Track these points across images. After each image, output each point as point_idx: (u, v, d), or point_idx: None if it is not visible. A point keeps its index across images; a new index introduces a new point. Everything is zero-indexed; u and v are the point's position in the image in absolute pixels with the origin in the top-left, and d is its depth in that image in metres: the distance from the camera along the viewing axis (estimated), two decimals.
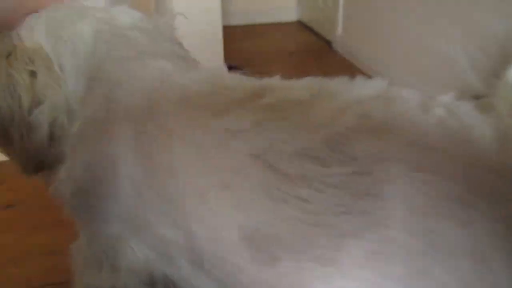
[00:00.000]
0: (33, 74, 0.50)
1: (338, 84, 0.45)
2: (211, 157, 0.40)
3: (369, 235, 0.34)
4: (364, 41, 3.02)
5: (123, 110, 0.46)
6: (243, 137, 0.39)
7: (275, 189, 0.36)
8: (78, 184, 0.49)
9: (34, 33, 0.51)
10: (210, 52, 2.14)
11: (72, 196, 0.49)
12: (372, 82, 0.44)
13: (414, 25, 2.40)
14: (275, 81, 0.47)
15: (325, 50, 3.47)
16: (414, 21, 2.40)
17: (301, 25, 4.06)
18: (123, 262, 0.46)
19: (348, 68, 3.09)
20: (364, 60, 2.98)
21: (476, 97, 0.46)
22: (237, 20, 3.70)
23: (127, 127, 0.45)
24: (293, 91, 0.44)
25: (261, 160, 0.37)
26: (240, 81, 0.47)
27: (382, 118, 0.38)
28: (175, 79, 0.47)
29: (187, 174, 0.41)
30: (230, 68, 0.53)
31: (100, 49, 0.50)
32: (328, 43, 3.51)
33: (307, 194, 0.35)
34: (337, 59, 3.29)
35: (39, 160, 0.53)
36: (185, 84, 0.46)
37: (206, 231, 0.39)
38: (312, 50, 3.48)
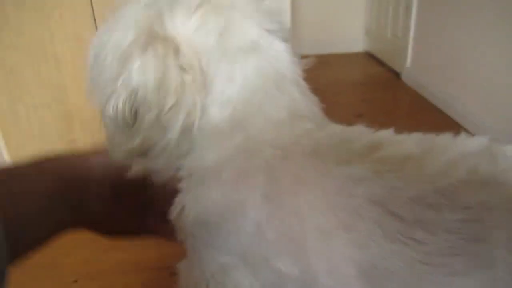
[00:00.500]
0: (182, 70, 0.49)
1: (445, 140, 0.49)
2: (334, 200, 0.44)
3: (478, 274, 0.39)
4: (434, 73, 2.96)
5: (264, 160, 0.49)
6: (364, 185, 0.43)
7: (392, 230, 0.40)
8: (202, 216, 0.51)
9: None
10: None
11: (193, 224, 0.52)
12: (475, 139, 0.48)
13: (486, 60, 2.33)
14: (388, 135, 0.51)
15: (393, 82, 3.43)
16: (486, 56, 2.33)
17: (369, 56, 4.06)
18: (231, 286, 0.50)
19: (417, 101, 3.03)
20: (434, 92, 2.91)
21: None
22: (305, 49, 3.77)
23: (260, 176, 0.48)
24: (405, 146, 0.48)
25: (380, 205, 0.41)
26: (360, 134, 0.51)
27: (488, 173, 0.42)
28: (313, 135, 0.52)
29: (312, 215, 0.45)
30: None
31: (255, 95, 0.52)
32: (397, 74, 3.48)
33: (422, 236, 0.39)
34: (406, 91, 3.24)
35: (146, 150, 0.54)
36: (319, 137, 0.51)
37: (324, 265, 0.44)
38: (381, 82, 3.45)
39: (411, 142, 0.49)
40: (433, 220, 0.40)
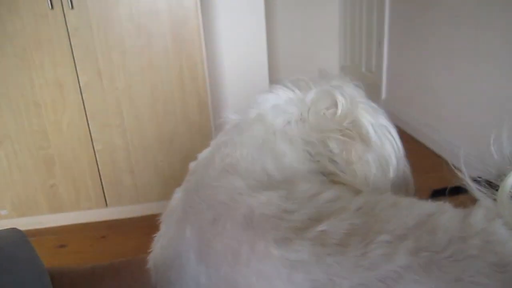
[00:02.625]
0: None
1: (386, 209, 0.47)
2: (273, 285, 0.42)
3: None
4: (408, 104, 3.05)
5: (193, 214, 0.51)
6: (304, 270, 0.41)
7: None
8: (155, 259, 0.54)
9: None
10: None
11: (152, 268, 0.55)
12: (416, 209, 0.46)
13: (458, 88, 2.43)
14: (331, 197, 0.49)
15: None
16: (458, 85, 2.43)
17: None
18: None
19: None
20: (410, 123, 3.00)
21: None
22: None
23: (194, 232, 0.50)
24: (346, 217, 0.44)
25: None
26: (300, 203, 0.48)
27: (430, 256, 0.39)
28: (243, 199, 0.50)
29: None
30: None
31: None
32: None
33: None
34: None
35: None
36: (251, 205, 0.48)
37: None
38: None
39: (352, 210, 0.46)
40: None
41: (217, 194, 0.52)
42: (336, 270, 0.40)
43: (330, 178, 0.60)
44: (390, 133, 0.70)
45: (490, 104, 2.18)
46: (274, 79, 3.68)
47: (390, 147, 0.69)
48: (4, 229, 0.51)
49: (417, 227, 0.43)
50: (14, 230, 0.51)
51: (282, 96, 0.65)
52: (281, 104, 0.64)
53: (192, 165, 0.63)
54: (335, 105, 0.64)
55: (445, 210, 0.46)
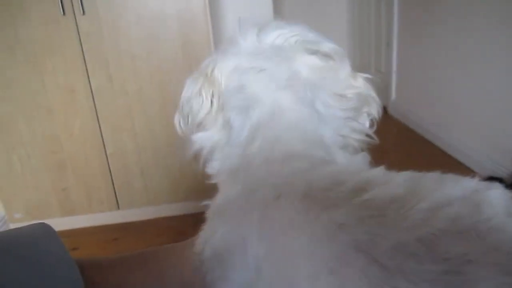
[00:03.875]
0: (212, 104, 0.66)
1: (431, 182, 0.50)
2: (321, 246, 0.46)
3: None
4: (418, 104, 3.04)
5: (259, 200, 0.54)
6: (348, 231, 0.44)
7: (375, 278, 0.41)
8: (214, 250, 0.57)
9: (225, 69, 0.65)
10: None
11: (209, 258, 0.57)
12: (462, 182, 0.49)
13: (467, 88, 2.41)
14: (377, 174, 0.53)
15: (380, 115, 3.51)
16: (467, 84, 2.41)
17: None
18: None
19: (405, 132, 3.10)
20: (420, 123, 2.99)
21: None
22: None
23: (259, 214, 0.53)
24: (390, 187, 0.48)
25: (364, 252, 0.42)
26: (349, 175, 0.53)
27: (470, 223, 0.42)
28: (305, 176, 0.54)
29: (301, 259, 0.46)
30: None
31: (258, 141, 0.61)
32: (383, 108, 3.56)
33: (404, 285, 0.39)
34: (393, 123, 3.31)
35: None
36: (311, 179, 0.52)
37: None
38: None
39: (397, 182, 0.49)
40: (414, 270, 0.39)
41: (281, 175, 0.56)
42: (376, 230, 0.42)
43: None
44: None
45: (501, 104, 2.16)
46: None
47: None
48: (33, 224, 0.52)
49: (461, 199, 0.45)
50: (43, 225, 0.53)
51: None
52: (293, 81, 0.65)
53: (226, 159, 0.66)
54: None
55: (492, 187, 0.47)
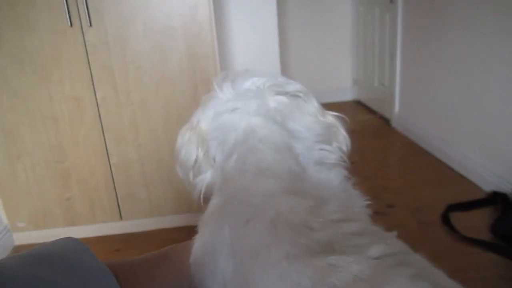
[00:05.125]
0: (200, 150, 0.74)
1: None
2: (284, 278, 0.46)
3: None
4: (422, 117, 3.04)
5: (231, 215, 0.58)
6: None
7: None
8: (195, 258, 0.61)
9: (206, 119, 0.73)
10: None
11: (192, 264, 0.62)
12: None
13: (471, 102, 2.42)
14: (354, 235, 0.50)
15: (384, 128, 3.51)
16: (471, 98, 2.42)
17: (358, 104, 4.18)
18: None
19: (408, 145, 3.10)
20: (423, 136, 2.99)
21: None
22: None
23: (230, 230, 0.56)
24: (362, 263, 0.45)
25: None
26: (323, 223, 0.52)
27: None
28: (273, 203, 0.55)
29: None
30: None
31: (235, 156, 0.67)
32: (387, 121, 3.57)
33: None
34: (396, 137, 3.31)
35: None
36: (279, 210, 0.53)
37: None
38: (372, 129, 3.54)
39: (369, 258, 0.45)
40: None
41: (252, 197, 0.58)
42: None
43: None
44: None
45: (506, 118, 2.16)
46: None
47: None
48: (61, 239, 0.55)
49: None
50: (70, 239, 0.55)
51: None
52: (263, 109, 0.71)
53: (219, 177, 0.71)
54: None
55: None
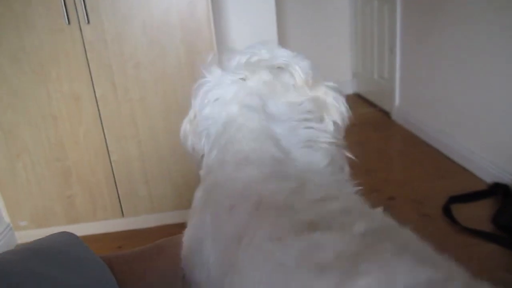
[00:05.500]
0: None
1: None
2: (261, 273, 0.45)
3: None
4: (422, 110, 3.04)
5: (213, 204, 0.58)
6: (284, 271, 0.43)
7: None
8: (184, 249, 0.63)
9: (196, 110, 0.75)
10: None
11: (182, 257, 0.63)
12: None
13: (471, 93, 2.41)
14: (337, 212, 0.49)
15: (384, 121, 3.51)
16: (471, 90, 2.41)
17: (358, 98, 4.17)
18: None
19: (409, 138, 3.09)
20: (424, 129, 2.98)
21: None
22: None
23: (212, 219, 0.56)
24: (346, 240, 0.44)
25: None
26: (307, 203, 0.51)
27: None
28: (255, 188, 0.55)
29: (248, 279, 0.46)
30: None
31: (216, 148, 0.68)
32: (387, 113, 3.56)
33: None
34: (397, 129, 3.31)
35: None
36: (261, 194, 0.53)
37: None
38: (372, 121, 3.53)
39: (353, 235, 0.44)
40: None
41: (235, 185, 0.57)
42: (311, 286, 0.38)
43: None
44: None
45: (506, 109, 2.16)
46: None
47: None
48: (57, 233, 0.56)
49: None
50: (65, 233, 0.56)
51: (232, 86, 0.71)
52: (241, 94, 0.70)
53: (201, 172, 0.71)
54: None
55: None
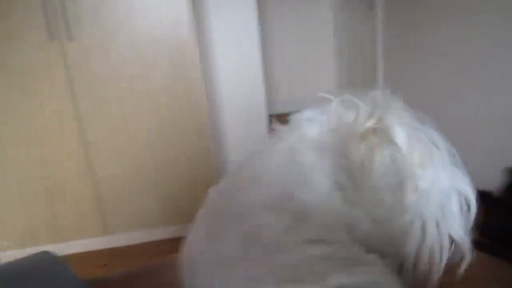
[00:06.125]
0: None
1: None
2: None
3: None
4: None
5: (217, 218, 0.56)
6: None
7: None
8: (185, 258, 0.59)
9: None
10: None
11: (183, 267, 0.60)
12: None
13: (452, 104, 2.45)
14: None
15: None
16: (451, 101, 2.45)
17: None
18: None
19: None
20: None
21: None
22: (281, 108, 3.89)
23: (207, 234, 0.55)
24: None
25: None
26: (300, 258, 0.47)
27: None
28: (253, 215, 0.52)
29: None
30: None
31: None
32: None
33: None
34: None
35: None
36: (255, 224, 0.51)
37: None
38: None
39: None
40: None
41: (236, 204, 0.54)
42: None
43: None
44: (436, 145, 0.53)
45: (489, 119, 2.19)
46: (271, 101, 3.70)
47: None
48: (36, 253, 0.54)
49: None
50: (46, 253, 0.54)
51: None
52: (314, 115, 0.57)
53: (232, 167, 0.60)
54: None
55: None
